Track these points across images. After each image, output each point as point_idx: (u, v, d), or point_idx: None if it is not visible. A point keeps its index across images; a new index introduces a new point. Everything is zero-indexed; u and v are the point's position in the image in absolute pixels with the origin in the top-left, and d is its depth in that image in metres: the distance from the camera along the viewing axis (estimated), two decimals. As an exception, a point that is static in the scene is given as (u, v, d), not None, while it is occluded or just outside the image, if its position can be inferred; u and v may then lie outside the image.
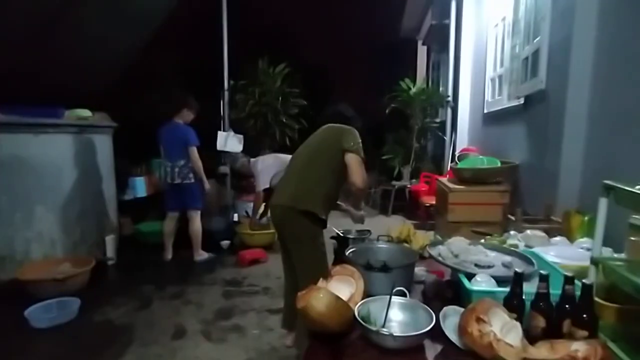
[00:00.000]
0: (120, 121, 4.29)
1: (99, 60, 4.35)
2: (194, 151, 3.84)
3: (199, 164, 3.87)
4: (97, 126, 3.99)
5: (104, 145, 4.08)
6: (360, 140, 2.06)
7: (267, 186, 4.12)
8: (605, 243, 1.34)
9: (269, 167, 4.13)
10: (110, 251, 3.93)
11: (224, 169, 5.16)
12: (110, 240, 3.94)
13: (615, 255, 1.49)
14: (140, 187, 4.97)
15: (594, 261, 1.24)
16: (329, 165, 2.05)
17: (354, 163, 1.98)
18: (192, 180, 3.89)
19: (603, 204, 1.20)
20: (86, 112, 3.86)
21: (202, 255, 4.10)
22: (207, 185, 4.03)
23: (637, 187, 1.07)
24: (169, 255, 4.08)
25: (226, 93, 5.22)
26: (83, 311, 2.84)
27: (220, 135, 5.03)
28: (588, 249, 1.64)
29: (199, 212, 4.04)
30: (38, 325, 2.64)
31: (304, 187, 2.04)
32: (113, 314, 2.93)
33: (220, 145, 5.00)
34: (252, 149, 5.48)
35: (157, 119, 3.96)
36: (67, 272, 3.20)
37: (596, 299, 1.15)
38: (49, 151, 3.49)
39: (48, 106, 3.53)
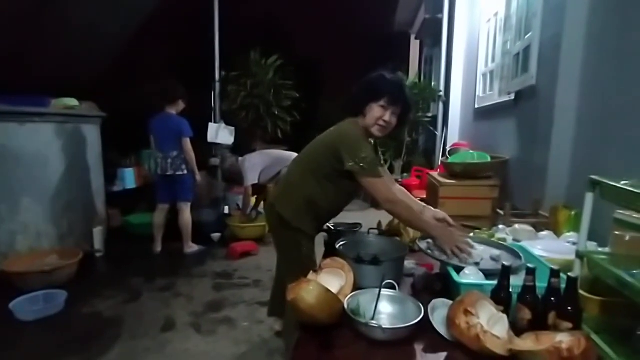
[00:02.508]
0: (108, 111, 4.22)
1: (87, 49, 4.26)
2: (187, 143, 3.79)
3: (192, 155, 3.83)
4: (85, 116, 3.92)
5: (91, 135, 4.01)
6: (365, 155, 1.62)
7: (256, 182, 4.16)
8: (591, 237, 1.36)
9: (256, 164, 4.19)
10: (98, 243, 3.89)
11: (215, 161, 5.12)
12: (98, 232, 3.90)
13: (600, 249, 1.52)
14: (129, 178, 4.92)
15: (579, 255, 1.26)
16: (317, 172, 1.76)
17: (368, 189, 1.64)
18: (185, 172, 3.85)
19: (589, 198, 1.22)
20: (73, 102, 3.79)
21: (192, 247, 4.07)
22: (198, 177, 3.99)
23: (622, 182, 1.09)
24: (158, 247, 4.04)
25: (217, 84, 5.17)
26: (70, 304, 2.81)
27: (212, 127, 4.99)
28: (574, 243, 1.67)
29: (189, 204, 4.01)
30: (24, 318, 2.61)
31: (287, 185, 1.88)
32: (101, 306, 2.91)
33: (211, 137, 4.97)
34: (243, 141, 5.45)
35: (148, 110, 3.90)
36: (54, 264, 3.16)
37: (581, 291, 1.17)
38: (35, 141, 3.42)
39: (34, 95, 3.45)
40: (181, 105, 3.91)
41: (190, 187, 3.98)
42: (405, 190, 1.97)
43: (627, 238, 1.30)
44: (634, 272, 1.08)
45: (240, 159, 4.40)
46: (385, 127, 1.73)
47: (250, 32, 7.06)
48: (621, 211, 1.30)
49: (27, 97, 3.38)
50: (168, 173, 3.80)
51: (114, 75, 4.97)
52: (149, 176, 4.80)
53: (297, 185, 1.81)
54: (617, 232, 1.34)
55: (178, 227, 4.01)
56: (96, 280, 3.45)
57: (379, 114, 1.71)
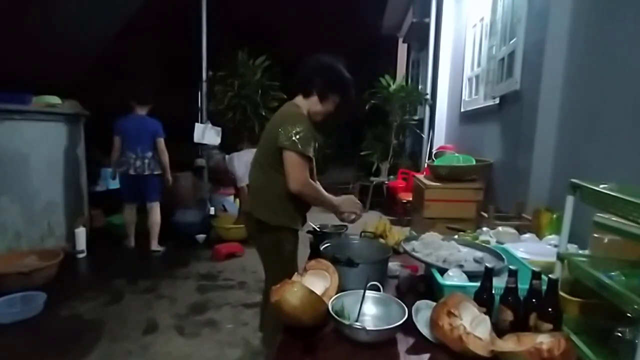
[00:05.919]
0: (93, 110, 4.15)
1: (71, 46, 4.18)
2: (162, 143, 3.85)
3: (167, 155, 3.88)
4: (67, 114, 3.84)
5: (74, 134, 3.93)
6: (301, 129, 1.65)
7: (248, 182, 4.13)
8: (572, 240, 1.39)
9: (245, 163, 4.13)
10: (80, 244, 3.80)
11: (201, 162, 5.06)
12: (80, 233, 3.81)
13: (580, 251, 1.54)
14: (112, 178, 4.82)
15: (560, 257, 1.28)
16: (273, 164, 1.74)
17: (287, 163, 1.66)
18: (159, 173, 3.90)
19: (569, 202, 1.24)
20: (55, 99, 3.71)
21: (157, 247, 4.06)
22: (169, 177, 4.03)
23: (602, 185, 1.10)
24: (132, 242, 4.06)
25: (204, 84, 5.11)
26: (49, 306, 2.73)
27: (198, 127, 4.92)
28: (555, 246, 1.70)
29: (159, 204, 4.03)
30: (0, 321, 2.53)
31: (256, 190, 1.85)
32: (81, 308, 2.84)
33: (197, 138, 4.90)
34: (230, 141, 5.40)
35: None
36: (33, 265, 3.08)
37: (561, 293, 1.18)
38: (14, 139, 3.34)
39: (14, 91, 3.37)
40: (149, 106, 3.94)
41: (159, 187, 4.01)
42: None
43: (606, 241, 1.33)
44: (612, 274, 1.10)
45: (227, 157, 4.36)
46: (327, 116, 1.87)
47: (238, 32, 7.01)
48: (600, 214, 1.33)
49: (7, 94, 3.30)
50: (145, 173, 3.80)
51: (99, 73, 4.88)
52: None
53: (264, 186, 1.81)
54: (596, 235, 1.37)
55: (147, 225, 4.01)
56: (77, 281, 3.38)
57: (332, 108, 1.85)
